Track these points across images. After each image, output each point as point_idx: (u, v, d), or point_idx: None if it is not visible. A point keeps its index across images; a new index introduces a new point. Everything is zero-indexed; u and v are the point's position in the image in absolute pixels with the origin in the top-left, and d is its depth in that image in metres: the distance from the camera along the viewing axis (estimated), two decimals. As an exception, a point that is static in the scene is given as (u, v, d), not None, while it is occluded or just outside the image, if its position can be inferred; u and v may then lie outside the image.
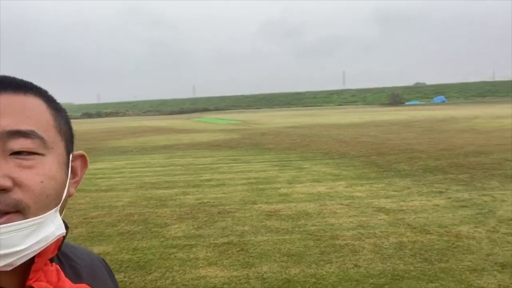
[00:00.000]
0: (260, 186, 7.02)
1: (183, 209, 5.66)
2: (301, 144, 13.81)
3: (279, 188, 6.82)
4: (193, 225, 4.92)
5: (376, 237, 4.31)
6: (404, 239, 4.21)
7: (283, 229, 4.69)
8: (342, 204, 5.68)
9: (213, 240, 4.39)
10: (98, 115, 78.27)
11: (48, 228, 0.49)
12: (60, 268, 0.55)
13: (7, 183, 0.45)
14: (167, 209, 5.69)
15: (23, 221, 0.45)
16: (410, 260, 3.68)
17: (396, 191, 6.38)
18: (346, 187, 6.76)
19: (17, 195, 0.45)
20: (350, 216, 5.10)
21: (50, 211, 0.50)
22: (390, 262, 3.64)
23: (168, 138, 18.45)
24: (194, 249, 4.13)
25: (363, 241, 4.21)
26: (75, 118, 73.38)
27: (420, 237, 4.23)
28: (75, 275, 0.58)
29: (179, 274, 3.55)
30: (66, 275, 0.55)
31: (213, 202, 6.03)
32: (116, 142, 17.42)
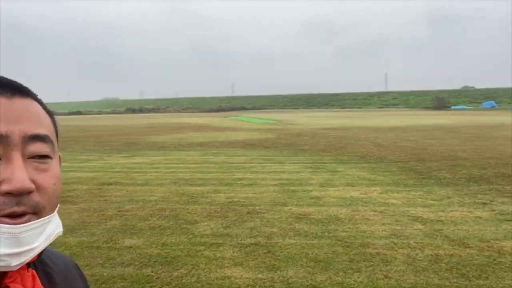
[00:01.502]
0: (292, 188, 6.93)
1: (213, 207, 5.70)
2: (336, 146, 13.53)
3: (311, 191, 6.70)
4: (221, 224, 4.94)
5: (410, 247, 4.11)
6: (441, 251, 3.97)
7: (312, 233, 4.59)
8: (375, 211, 5.48)
9: (241, 240, 4.38)
10: (141, 110, 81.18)
11: (51, 226, 0.53)
12: (35, 273, 0.55)
13: (33, 186, 0.48)
14: (197, 206, 5.76)
15: (39, 220, 0.49)
16: (445, 274, 3.46)
17: (435, 200, 6.06)
18: (381, 193, 6.52)
19: (36, 197, 0.49)
20: (383, 224, 4.90)
21: (56, 210, 0.54)
22: (424, 276, 3.45)
23: (204, 136, 18.76)
24: (221, 248, 4.13)
25: (396, 251, 4.03)
26: (119, 113, 76.57)
27: (458, 251, 3.98)
28: (48, 281, 0.58)
29: (205, 273, 3.57)
30: (41, 281, 0.55)
31: (243, 201, 6.03)
32: (155, 138, 17.94)
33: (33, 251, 0.48)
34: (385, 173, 8.33)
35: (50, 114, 0.58)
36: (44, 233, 0.50)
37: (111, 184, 7.46)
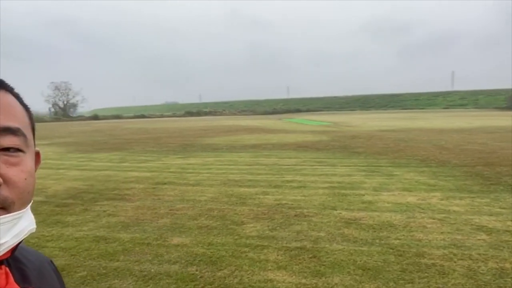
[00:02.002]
0: (343, 191, 6.69)
1: (261, 209, 5.67)
2: (394, 149, 12.86)
3: (363, 195, 6.41)
4: (268, 226, 4.89)
5: (471, 259, 3.74)
6: (507, 265, 3.56)
7: (361, 239, 4.37)
8: (434, 218, 5.08)
9: (286, 243, 4.29)
10: (198, 113, 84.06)
11: (23, 223, 0.51)
12: (8, 270, 0.53)
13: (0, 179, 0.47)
14: (245, 208, 5.77)
15: (9, 215, 0.48)
16: (513, 292, 3.09)
17: (503, 208, 5.48)
18: (442, 200, 6.04)
19: (4, 191, 0.47)
20: (442, 233, 4.52)
21: (27, 207, 0.53)
22: (487, 292, 3.11)
23: (257, 138, 18.88)
24: (265, 251, 4.08)
25: (455, 262, 3.68)
26: (179, 116, 79.97)
27: (530, 266, 3.54)
28: (22, 279, 0.57)
29: (248, 274, 3.54)
30: (14, 279, 0.53)
31: (291, 204, 5.93)
32: (209, 140, 18.43)
33: (0, 247, 0.47)
34: (447, 178, 7.73)
35: (27, 108, 0.57)
36: (13, 229, 0.49)
37: (165, 183, 7.77)
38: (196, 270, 3.64)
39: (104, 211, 5.78)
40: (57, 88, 78.01)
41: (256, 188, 7.14)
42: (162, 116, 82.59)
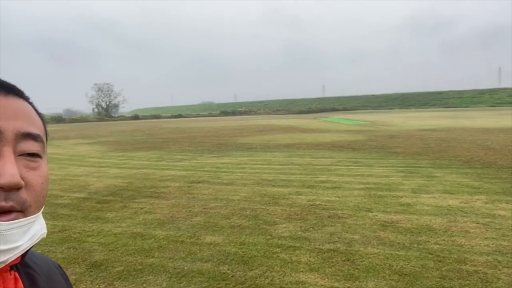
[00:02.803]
0: (379, 193, 6.49)
1: (294, 209, 5.62)
2: (435, 149, 12.32)
3: (401, 197, 6.18)
4: (300, 227, 4.83)
5: (519, 268, 3.49)
6: (561, 277, 3.29)
7: (398, 243, 4.21)
8: (477, 223, 4.81)
9: (319, 245, 4.22)
10: (233, 113, 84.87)
11: (36, 227, 0.52)
12: (18, 276, 0.54)
13: (22, 182, 0.48)
14: (278, 208, 5.74)
15: (25, 218, 0.49)
16: None
17: (557, 214, 5.08)
18: (486, 203, 5.70)
19: (24, 194, 0.49)
20: (486, 238, 4.26)
21: (41, 210, 0.54)
22: (536, 304, 2.89)
23: (291, 137, 18.76)
24: (297, 252, 4.04)
25: (500, 270, 3.46)
26: (215, 115, 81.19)
27: None
28: (31, 284, 0.57)
29: (279, 275, 3.51)
30: (23, 284, 0.54)
31: (325, 205, 5.82)
32: (244, 139, 18.54)
33: (16, 250, 0.48)
34: (493, 180, 7.29)
35: (41, 116, 0.59)
36: (28, 232, 0.50)
37: (199, 182, 7.90)
38: (228, 269, 3.66)
39: (141, 208, 5.96)
40: (100, 89, 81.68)
41: (289, 188, 7.09)
42: (198, 115, 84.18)
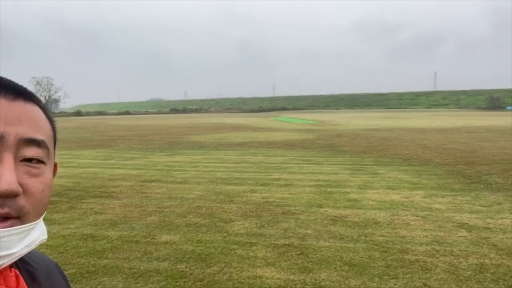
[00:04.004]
0: (329, 189, 6.80)
1: (249, 207, 5.72)
2: (378, 148, 13.10)
3: (349, 193, 6.53)
4: (256, 223, 4.95)
5: (453, 255, 3.88)
6: (487, 261, 3.71)
7: (347, 236, 4.47)
8: (417, 216, 5.23)
9: (274, 240, 4.36)
10: (184, 111, 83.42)
11: (35, 233, 0.51)
12: (18, 273, 0.54)
13: (20, 189, 0.47)
14: (233, 205, 5.81)
15: (22, 226, 0.48)
16: (491, 285, 3.23)
17: (483, 206, 5.68)
18: (424, 198, 6.22)
19: (22, 201, 0.48)
20: (425, 230, 4.67)
21: (41, 218, 0.53)
22: (467, 286, 3.24)
23: (243, 136, 18.92)
24: (254, 248, 4.14)
25: (437, 258, 3.82)
26: (164, 113, 79.25)
27: (507, 261, 3.69)
28: (31, 280, 0.57)
29: (237, 271, 3.59)
30: (24, 280, 0.54)
31: (279, 202, 6.00)
32: (196, 137, 18.37)
33: (10, 256, 0.47)
34: (430, 177, 7.94)
35: (52, 121, 0.58)
36: (25, 239, 0.49)
37: (152, 181, 7.74)
38: (186, 267, 3.66)
39: (91, 208, 5.73)
40: (38, 83, 76.28)
41: (244, 186, 7.19)
42: (147, 113, 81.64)
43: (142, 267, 3.67)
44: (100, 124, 33.09)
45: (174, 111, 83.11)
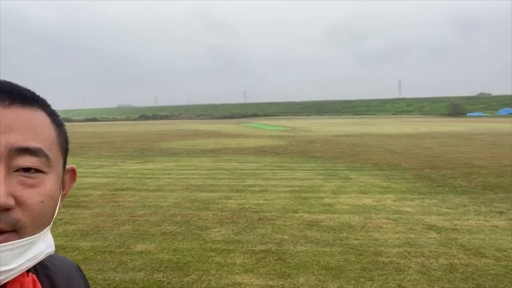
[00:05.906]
0: (303, 195, 6.89)
1: (225, 213, 5.70)
2: (349, 153, 13.42)
3: (323, 198, 6.65)
4: (232, 230, 4.93)
5: (424, 256, 4.03)
6: (456, 261, 3.89)
7: (323, 240, 4.55)
8: (388, 219, 5.40)
9: (251, 246, 4.36)
10: (154, 117, 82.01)
11: (39, 247, 0.49)
12: (36, 278, 0.53)
13: (11, 202, 0.44)
14: (209, 212, 5.77)
15: (19, 240, 0.45)
16: (460, 284, 3.38)
17: (450, 208, 5.94)
18: (395, 201, 6.42)
19: (17, 214, 0.45)
20: (396, 232, 4.82)
21: (44, 230, 0.50)
22: (438, 285, 3.37)
23: (216, 142, 18.84)
24: (231, 254, 4.13)
25: (409, 260, 3.95)
26: (133, 119, 77.58)
27: (474, 260, 3.88)
28: (50, 285, 0.57)
29: (215, 279, 3.56)
30: (42, 286, 0.53)
31: (255, 208, 6.01)
32: (167, 144, 18.10)
33: (8, 272, 0.44)
34: (398, 181, 8.22)
35: (59, 125, 0.55)
36: (26, 253, 0.46)
37: (124, 189, 7.55)
38: (163, 277, 3.60)
39: (60, 219, 5.51)
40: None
41: (219, 192, 7.15)
42: (115, 119, 79.63)
43: (117, 278, 3.56)
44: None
45: (144, 117, 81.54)
